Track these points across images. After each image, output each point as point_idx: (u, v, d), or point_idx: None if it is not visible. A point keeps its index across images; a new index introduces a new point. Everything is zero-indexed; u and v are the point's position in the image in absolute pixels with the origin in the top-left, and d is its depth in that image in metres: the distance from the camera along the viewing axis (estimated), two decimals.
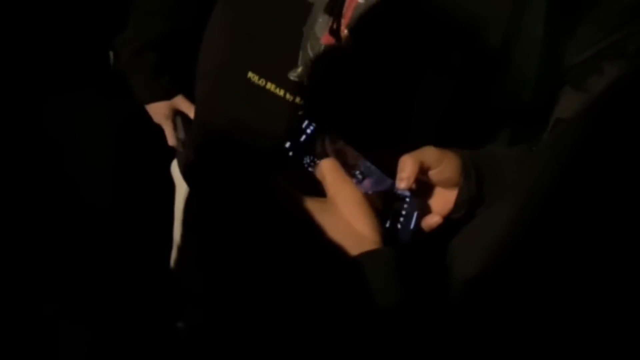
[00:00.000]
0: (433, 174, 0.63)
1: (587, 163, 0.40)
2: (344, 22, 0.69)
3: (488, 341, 0.42)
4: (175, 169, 1.10)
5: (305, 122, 0.62)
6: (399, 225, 0.62)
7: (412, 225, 0.62)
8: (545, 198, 0.42)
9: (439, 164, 0.62)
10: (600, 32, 0.63)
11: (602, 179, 0.39)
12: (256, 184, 0.71)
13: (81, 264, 1.18)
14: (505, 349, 0.41)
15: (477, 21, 0.66)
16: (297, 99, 0.74)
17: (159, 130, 1.10)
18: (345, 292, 0.54)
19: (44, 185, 1.10)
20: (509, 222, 0.46)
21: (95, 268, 1.19)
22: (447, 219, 0.64)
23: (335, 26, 0.68)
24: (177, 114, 1.06)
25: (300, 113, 0.75)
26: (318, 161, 0.61)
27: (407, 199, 0.63)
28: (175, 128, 1.07)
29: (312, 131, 0.62)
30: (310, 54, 0.71)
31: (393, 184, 0.63)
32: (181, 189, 1.08)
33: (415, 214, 0.62)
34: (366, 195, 0.61)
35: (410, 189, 0.62)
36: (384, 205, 0.63)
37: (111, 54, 1.04)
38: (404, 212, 0.62)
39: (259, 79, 0.76)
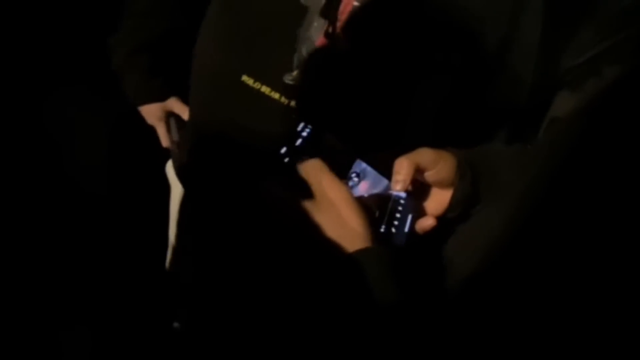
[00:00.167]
0: (429, 175, 0.63)
1: (582, 162, 0.40)
2: (340, 25, 0.68)
3: (483, 339, 0.42)
4: (170, 169, 1.09)
5: (301, 125, 0.62)
6: (393, 229, 0.61)
7: (406, 228, 0.62)
8: (540, 197, 0.43)
9: (435, 165, 0.62)
10: (598, 35, 0.62)
11: (597, 178, 0.39)
12: (249, 185, 0.70)
13: (77, 264, 1.17)
14: (500, 348, 0.41)
15: (474, 23, 0.67)
16: (292, 102, 0.74)
17: (153, 130, 1.10)
18: (340, 290, 0.54)
19: (39, 184, 1.10)
20: (504, 221, 0.46)
21: (90, 269, 1.19)
22: (443, 219, 0.64)
23: (330, 29, 0.68)
24: (170, 116, 1.06)
25: (294, 116, 0.75)
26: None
27: (402, 201, 0.62)
28: (169, 130, 1.06)
29: (308, 134, 0.62)
30: (306, 57, 0.71)
31: (388, 185, 0.63)
32: (176, 190, 1.08)
33: (409, 217, 0.62)
34: (362, 199, 0.62)
35: (406, 191, 0.62)
36: (379, 208, 0.62)
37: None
38: (398, 215, 0.62)
39: (253, 82, 0.75)
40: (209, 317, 1.06)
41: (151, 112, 1.05)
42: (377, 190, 0.64)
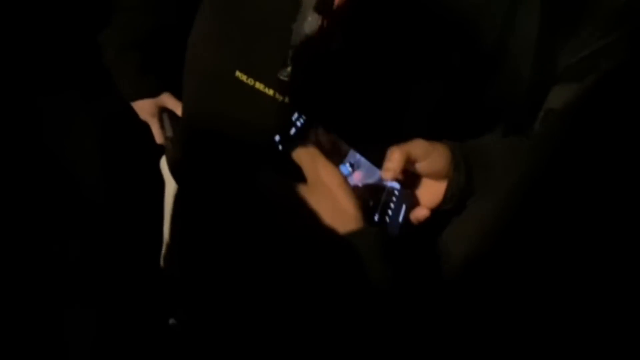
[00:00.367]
0: (421, 167, 0.64)
1: (576, 153, 0.41)
2: (334, 20, 0.67)
3: (475, 322, 0.43)
4: (164, 165, 1.09)
5: (296, 115, 0.63)
6: (387, 219, 0.62)
7: (400, 219, 0.63)
8: (533, 187, 0.43)
9: (427, 157, 0.63)
10: (596, 33, 0.62)
11: (591, 169, 0.39)
12: (245, 175, 0.70)
13: (74, 261, 1.18)
14: (492, 329, 0.42)
15: (471, 19, 0.67)
16: (287, 99, 0.73)
17: (147, 127, 1.09)
18: (335, 271, 0.55)
19: (36, 183, 1.10)
20: (497, 210, 0.47)
21: (87, 266, 1.19)
22: (438, 211, 0.65)
23: (325, 25, 0.67)
24: (164, 112, 1.05)
25: (289, 112, 0.74)
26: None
27: (396, 192, 0.63)
28: (162, 126, 1.05)
29: (302, 124, 0.63)
30: (300, 53, 0.70)
31: (382, 177, 0.64)
32: (170, 186, 1.08)
33: (403, 207, 0.63)
34: (356, 189, 0.62)
35: (399, 182, 0.63)
36: (373, 198, 0.63)
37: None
38: (392, 205, 0.63)
39: (247, 78, 0.75)
40: (203, 313, 1.06)
41: (144, 108, 1.04)
42: (370, 180, 0.65)
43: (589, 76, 0.65)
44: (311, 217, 0.56)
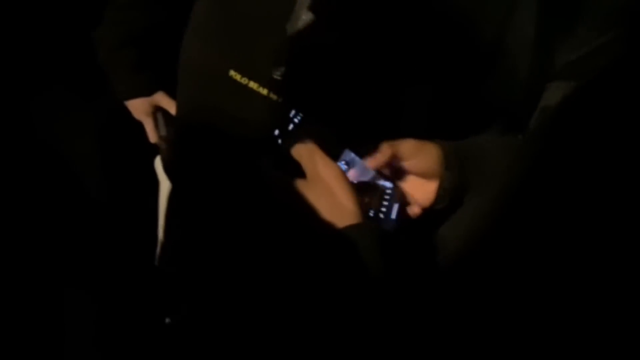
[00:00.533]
0: (410, 165, 0.66)
1: (571, 149, 0.41)
2: (328, 19, 0.67)
3: (470, 309, 0.44)
4: (158, 165, 1.08)
5: (293, 112, 0.65)
6: (381, 215, 0.65)
7: (393, 216, 0.65)
8: (528, 182, 0.44)
9: (415, 155, 0.65)
10: (595, 31, 0.62)
11: (586, 166, 0.40)
12: (238, 174, 0.73)
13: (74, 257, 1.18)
14: (487, 317, 0.42)
15: (469, 18, 0.67)
16: (280, 98, 0.73)
17: (142, 126, 1.08)
18: (332, 265, 0.56)
19: (34, 179, 1.09)
20: (490, 208, 0.48)
21: (85, 263, 1.19)
22: (432, 210, 0.66)
23: (319, 24, 0.67)
24: (158, 111, 1.04)
25: (283, 112, 0.74)
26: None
27: (389, 190, 0.66)
28: (156, 125, 1.05)
29: (299, 121, 0.65)
30: (294, 52, 0.69)
31: (375, 176, 0.66)
32: (165, 185, 1.07)
33: (396, 205, 0.65)
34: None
35: (391, 180, 0.66)
36: (367, 196, 0.65)
37: None
38: (385, 203, 0.65)
39: (241, 77, 0.74)
40: (199, 312, 1.06)
41: (138, 107, 1.04)
42: (364, 178, 0.67)
43: (585, 74, 0.65)
44: (310, 211, 0.58)
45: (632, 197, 0.37)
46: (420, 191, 0.67)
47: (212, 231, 0.91)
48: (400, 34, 0.67)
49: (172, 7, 0.89)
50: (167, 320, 1.25)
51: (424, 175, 0.66)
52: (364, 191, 0.65)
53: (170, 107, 1.02)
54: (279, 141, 0.63)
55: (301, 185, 0.59)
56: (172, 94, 1.00)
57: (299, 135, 0.63)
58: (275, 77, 0.72)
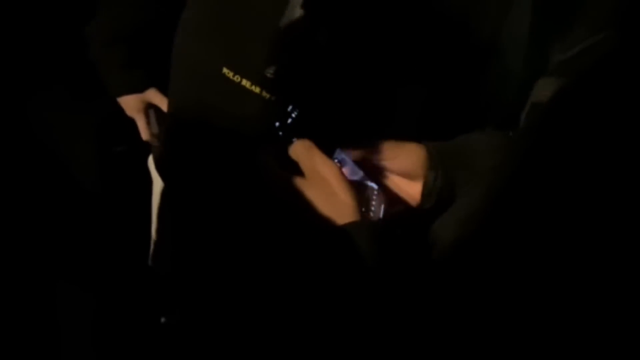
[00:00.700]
0: (391, 165, 0.67)
1: (559, 145, 0.42)
2: (322, 17, 0.66)
3: (465, 300, 0.45)
4: (152, 163, 1.08)
5: (290, 107, 0.66)
6: (371, 214, 0.66)
7: (381, 215, 0.66)
8: (516, 180, 0.44)
9: (395, 156, 0.66)
10: (589, 29, 0.62)
11: (576, 161, 0.40)
12: (233, 171, 0.74)
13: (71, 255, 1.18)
14: (480, 307, 0.44)
15: (463, 16, 0.67)
16: (274, 97, 0.72)
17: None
18: (332, 262, 0.57)
19: (29, 182, 1.09)
20: (482, 202, 0.49)
21: (81, 261, 1.19)
22: (422, 209, 0.67)
23: (312, 22, 0.66)
24: (150, 108, 1.03)
25: (276, 110, 0.73)
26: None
27: (376, 191, 0.67)
28: (148, 122, 1.04)
29: (296, 115, 0.65)
30: (287, 50, 0.69)
31: (364, 176, 0.67)
32: (158, 184, 1.06)
33: (383, 205, 0.67)
34: None
35: (377, 181, 0.67)
36: (358, 194, 0.65)
37: None
38: (374, 203, 0.66)
39: (233, 75, 0.73)
40: (195, 310, 1.05)
41: (130, 104, 1.03)
42: (355, 178, 0.68)
43: (576, 71, 0.65)
44: (308, 209, 0.58)
45: (619, 190, 0.38)
46: (406, 191, 0.68)
47: (203, 229, 0.91)
48: (394, 34, 0.67)
49: (164, 4, 0.88)
50: (163, 319, 1.25)
51: (408, 175, 0.67)
52: (354, 190, 0.66)
53: (163, 104, 1.02)
54: (280, 133, 0.64)
55: (299, 183, 0.60)
56: (164, 90, 0.99)
57: (296, 131, 0.64)
58: (268, 75, 0.71)
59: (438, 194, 0.65)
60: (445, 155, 0.66)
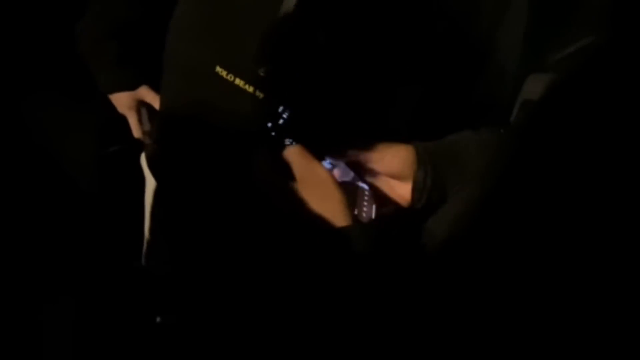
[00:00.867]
0: (379, 167, 0.67)
1: (550, 142, 0.42)
2: (317, 16, 0.66)
3: (459, 296, 0.45)
4: (144, 161, 1.07)
5: (282, 107, 0.65)
6: (364, 214, 0.66)
7: (372, 215, 0.67)
8: (508, 177, 0.45)
9: (382, 158, 0.66)
10: (585, 29, 0.62)
11: (567, 159, 0.40)
12: (226, 169, 0.74)
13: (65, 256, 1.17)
14: (475, 302, 0.44)
15: (460, 15, 0.67)
16: (267, 96, 0.72)
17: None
18: (327, 266, 0.57)
19: (25, 181, 1.09)
20: (474, 199, 0.49)
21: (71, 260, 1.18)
22: (414, 209, 0.67)
23: (306, 21, 0.65)
24: (142, 105, 1.02)
25: (269, 109, 0.73)
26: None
27: (367, 192, 0.68)
28: (140, 119, 1.03)
29: (288, 115, 0.65)
30: (281, 49, 0.68)
31: (355, 177, 0.68)
32: (150, 182, 1.05)
33: (374, 206, 0.67)
34: None
35: (367, 182, 0.68)
36: (349, 195, 0.66)
37: None
38: (365, 203, 0.67)
39: (227, 74, 0.73)
40: (190, 310, 1.05)
41: (121, 101, 1.02)
42: (346, 179, 0.69)
43: (567, 69, 0.65)
44: (302, 209, 0.59)
45: (609, 186, 0.38)
46: (398, 192, 0.68)
47: (195, 229, 0.90)
48: (391, 33, 0.67)
49: (156, 0, 0.87)
50: (158, 319, 1.25)
51: (396, 176, 0.67)
52: (346, 191, 0.66)
53: (155, 101, 1.01)
54: (272, 133, 0.64)
55: (294, 185, 0.60)
56: (156, 88, 0.99)
57: (288, 132, 0.64)
58: (261, 73, 0.71)
59: (429, 193, 0.65)
60: (436, 154, 0.66)
